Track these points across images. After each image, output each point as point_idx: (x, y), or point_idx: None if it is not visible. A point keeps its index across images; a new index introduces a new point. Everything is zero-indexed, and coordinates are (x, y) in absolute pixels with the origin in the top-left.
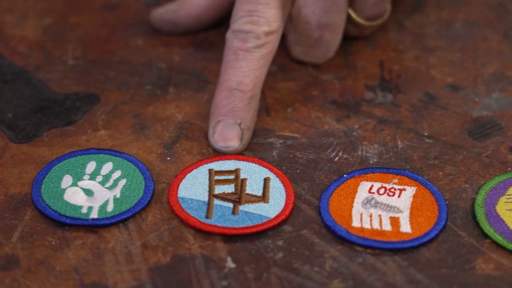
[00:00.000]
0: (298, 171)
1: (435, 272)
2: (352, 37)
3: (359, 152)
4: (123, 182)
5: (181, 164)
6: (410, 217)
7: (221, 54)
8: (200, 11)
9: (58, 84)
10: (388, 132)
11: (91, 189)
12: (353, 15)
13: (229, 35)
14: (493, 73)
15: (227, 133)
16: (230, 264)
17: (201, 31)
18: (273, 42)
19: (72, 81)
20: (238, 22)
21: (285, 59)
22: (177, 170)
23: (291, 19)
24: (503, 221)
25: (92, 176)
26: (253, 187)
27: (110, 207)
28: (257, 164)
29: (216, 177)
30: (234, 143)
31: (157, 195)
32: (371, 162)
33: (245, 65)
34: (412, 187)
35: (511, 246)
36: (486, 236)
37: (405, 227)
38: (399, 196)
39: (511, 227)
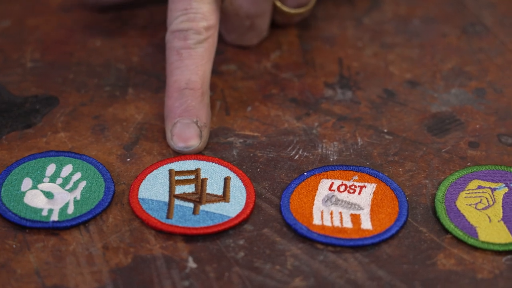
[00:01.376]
0: (259, 170)
1: (396, 269)
2: (280, 26)
3: (319, 150)
4: (83, 184)
5: (141, 165)
6: (370, 214)
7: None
8: None
9: (17, 86)
10: (348, 129)
11: (51, 192)
12: (279, 4)
13: (168, 36)
14: (452, 69)
15: (185, 133)
16: (191, 264)
17: (125, 6)
18: (213, 36)
19: (31, 84)
20: (175, 22)
21: (244, 58)
22: (137, 171)
23: (221, 11)
24: (463, 216)
25: (52, 179)
26: (214, 187)
27: (70, 209)
28: (217, 164)
29: (177, 177)
30: (194, 142)
31: (117, 197)
32: (331, 159)
33: (191, 62)
34: (373, 184)
35: (472, 241)
36: (446, 231)
37: (366, 224)
38: (359, 193)
39: (471, 222)
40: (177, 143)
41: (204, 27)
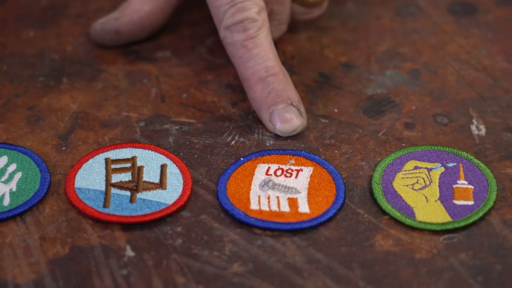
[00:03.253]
0: (195, 156)
1: (334, 251)
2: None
3: (256, 135)
4: (18, 175)
5: (77, 155)
6: (308, 197)
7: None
8: (143, 17)
9: None
10: None
11: None
12: None
13: (224, 33)
14: (386, 51)
15: (286, 118)
16: (129, 252)
17: (145, 39)
18: (266, 17)
19: None
20: (226, 16)
21: (178, 44)
22: (73, 160)
23: None
24: (400, 197)
25: None
26: (150, 174)
27: (6, 201)
28: (153, 151)
29: (113, 166)
30: (298, 123)
31: (53, 187)
32: (267, 144)
33: (260, 50)
34: (309, 167)
35: (409, 221)
36: (384, 212)
37: (303, 207)
38: (296, 177)
39: (408, 203)
40: (283, 130)
41: (257, 12)
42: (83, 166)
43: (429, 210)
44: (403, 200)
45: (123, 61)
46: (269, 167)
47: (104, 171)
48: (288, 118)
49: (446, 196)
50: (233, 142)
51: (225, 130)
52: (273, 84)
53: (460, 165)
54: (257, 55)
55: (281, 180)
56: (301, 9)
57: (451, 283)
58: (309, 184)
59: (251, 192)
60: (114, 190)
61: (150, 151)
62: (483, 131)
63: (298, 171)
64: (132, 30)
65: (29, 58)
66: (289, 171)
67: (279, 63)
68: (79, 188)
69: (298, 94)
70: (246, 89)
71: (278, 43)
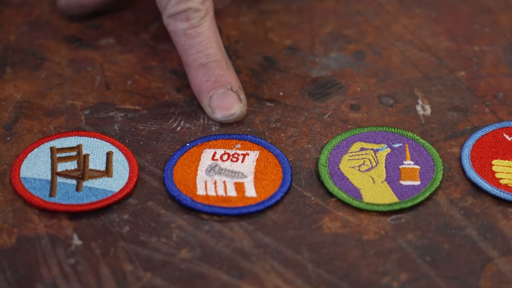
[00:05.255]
0: (141, 143)
1: (282, 234)
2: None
3: (201, 121)
4: None
5: (22, 144)
6: (254, 182)
7: (57, 31)
8: None
9: None
10: None
11: None
12: None
13: (167, 20)
14: (330, 33)
15: (224, 102)
16: (76, 241)
17: (104, 12)
18: (211, 5)
19: None
20: (170, 5)
21: (122, 31)
22: (18, 150)
23: None
24: (347, 178)
25: None
26: (96, 162)
27: None
28: (98, 139)
29: (58, 155)
30: (236, 108)
31: None
32: (213, 129)
33: (203, 38)
34: (255, 151)
35: (356, 203)
36: (331, 195)
37: (250, 191)
38: (242, 161)
39: (355, 184)
40: (220, 114)
41: (200, 2)
42: (28, 155)
43: (376, 191)
44: (350, 182)
45: (67, 49)
46: (215, 152)
47: (49, 160)
48: (226, 103)
49: (393, 176)
50: (178, 128)
51: (171, 116)
52: (214, 70)
53: (406, 145)
54: (200, 43)
55: (228, 164)
56: None
57: (399, 263)
58: (256, 168)
59: (197, 177)
60: (60, 179)
61: (95, 139)
62: (428, 111)
63: (244, 155)
64: (97, 2)
65: None
66: (235, 155)
67: (221, 50)
68: (24, 178)
69: (239, 81)
70: (188, 75)
71: (222, 27)
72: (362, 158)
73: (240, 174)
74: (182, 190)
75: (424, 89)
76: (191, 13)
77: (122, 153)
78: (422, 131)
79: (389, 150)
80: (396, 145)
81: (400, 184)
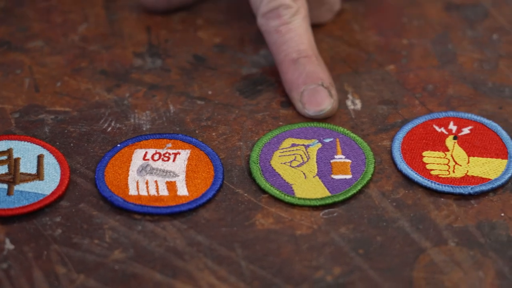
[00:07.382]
0: (72, 145)
1: (215, 232)
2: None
3: (132, 121)
4: None
5: None
6: (186, 180)
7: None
8: None
9: None
10: (160, 97)
11: None
12: None
13: (260, 20)
14: (259, 31)
15: (315, 98)
16: (9, 245)
17: (193, 6)
18: (303, 4)
19: None
20: (262, 4)
21: (50, 33)
22: None
23: None
24: (278, 174)
25: None
26: (27, 166)
27: None
28: (29, 142)
29: None
30: (327, 103)
31: None
32: (144, 129)
33: (293, 35)
34: (187, 150)
35: (289, 198)
36: (263, 191)
37: (182, 190)
38: (174, 160)
39: (287, 180)
40: (311, 109)
41: None
42: None
43: (308, 186)
44: (282, 178)
45: None
46: (146, 152)
47: None
48: (317, 99)
49: (324, 171)
50: (109, 129)
51: (101, 117)
52: (305, 66)
53: (337, 140)
54: (291, 39)
55: (159, 164)
56: None
57: (332, 257)
58: (187, 167)
59: (129, 178)
60: None
61: (26, 142)
62: (358, 106)
63: (175, 154)
64: None
65: None
66: (167, 155)
67: (313, 49)
68: None
69: (331, 77)
70: (280, 73)
71: (151, 26)
72: (293, 154)
73: (171, 173)
74: (114, 191)
75: (354, 84)
76: (282, 10)
77: (53, 155)
78: (352, 125)
79: (320, 145)
80: (327, 140)
81: (332, 178)
